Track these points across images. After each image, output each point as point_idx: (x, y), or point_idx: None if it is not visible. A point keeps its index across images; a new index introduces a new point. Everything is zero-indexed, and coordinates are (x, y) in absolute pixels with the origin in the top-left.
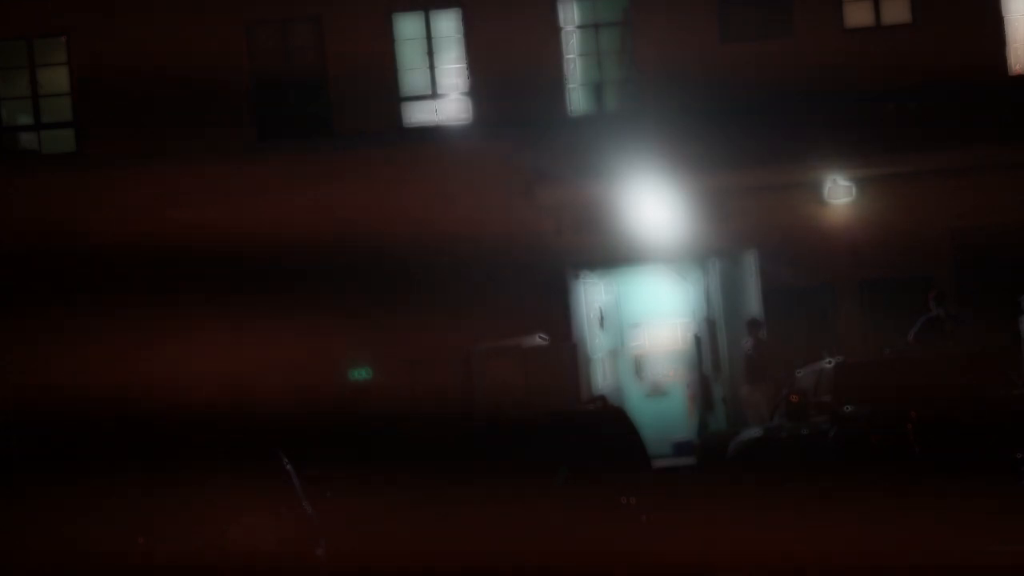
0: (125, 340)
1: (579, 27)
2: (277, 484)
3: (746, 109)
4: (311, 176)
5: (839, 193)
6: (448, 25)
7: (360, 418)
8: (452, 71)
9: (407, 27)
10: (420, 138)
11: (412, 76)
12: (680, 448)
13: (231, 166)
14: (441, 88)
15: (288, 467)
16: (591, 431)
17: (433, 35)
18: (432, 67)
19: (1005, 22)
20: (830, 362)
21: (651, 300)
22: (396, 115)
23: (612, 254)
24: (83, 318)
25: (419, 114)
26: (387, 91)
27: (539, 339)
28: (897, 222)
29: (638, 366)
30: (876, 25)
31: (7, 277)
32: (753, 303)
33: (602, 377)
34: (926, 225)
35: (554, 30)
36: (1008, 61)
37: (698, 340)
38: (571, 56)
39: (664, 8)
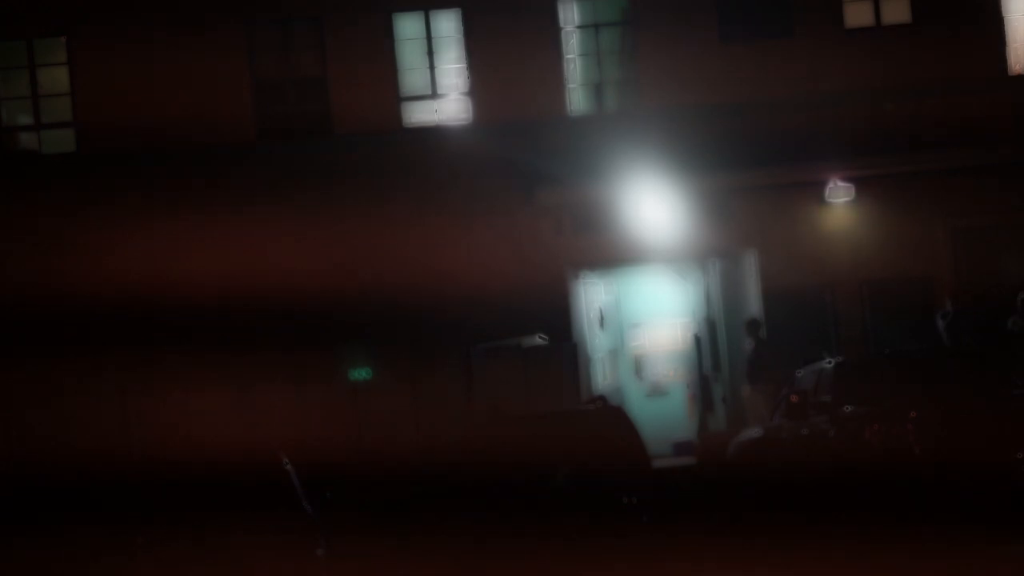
0: (120, 344)
1: (579, 27)
2: (277, 484)
3: (746, 109)
4: (311, 176)
5: (839, 193)
6: (448, 25)
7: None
8: (452, 71)
9: (407, 27)
10: (420, 138)
11: (412, 76)
12: (680, 448)
13: (231, 166)
14: (441, 88)
15: (288, 467)
16: (591, 431)
17: (433, 35)
18: (432, 67)
19: (1005, 22)
20: (830, 362)
21: (651, 300)
22: (396, 115)
23: (612, 254)
24: (79, 324)
25: (419, 114)
26: (387, 91)
27: (539, 339)
28: (897, 222)
29: (638, 366)
30: (876, 25)
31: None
32: (753, 303)
33: (602, 377)
34: (926, 225)
35: (554, 30)
36: (1008, 61)
37: (698, 340)
38: (571, 56)
39: (664, 8)
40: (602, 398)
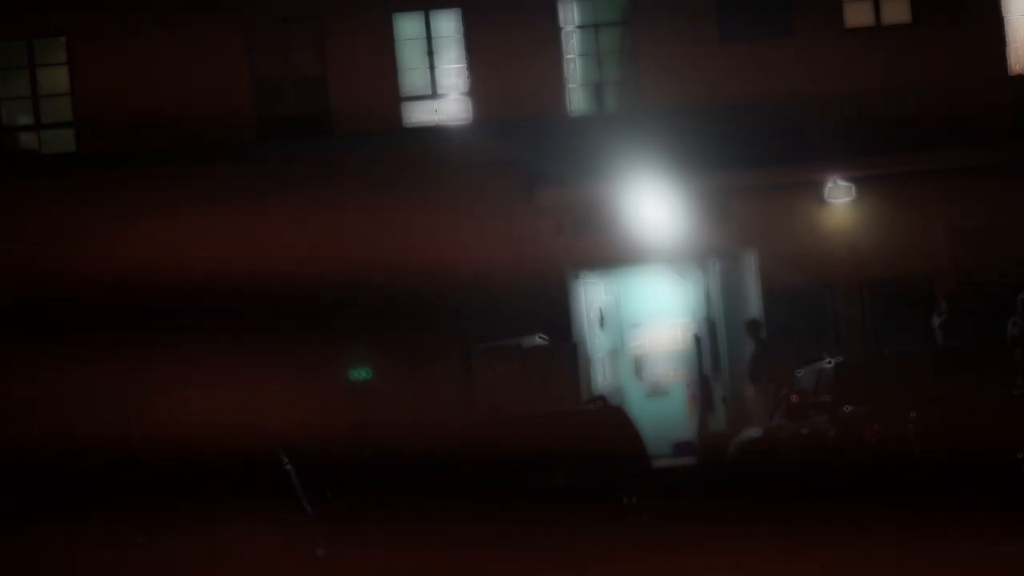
0: (122, 345)
1: (579, 27)
2: (277, 484)
3: (746, 109)
4: (311, 176)
5: (839, 193)
6: (448, 25)
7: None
8: (452, 71)
9: (407, 27)
10: (420, 138)
11: (412, 76)
12: (680, 448)
13: (231, 166)
14: (441, 88)
15: (288, 467)
16: (591, 431)
17: (433, 35)
18: (432, 67)
19: (1005, 22)
20: (830, 362)
21: (651, 300)
22: (396, 115)
23: (612, 254)
24: (79, 322)
25: (419, 114)
26: (387, 91)
27: (539, 339)
28: (897, 222)
29: (638, 366)
30: (876, 25)
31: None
32: (753, 303)
33: (602, 377)
34: (926, 225)
35: (554, 30)
36: (1008, 61)
37: (698, 340)
38: (571, 56)
39: (664, 8)
40: (602, 398)
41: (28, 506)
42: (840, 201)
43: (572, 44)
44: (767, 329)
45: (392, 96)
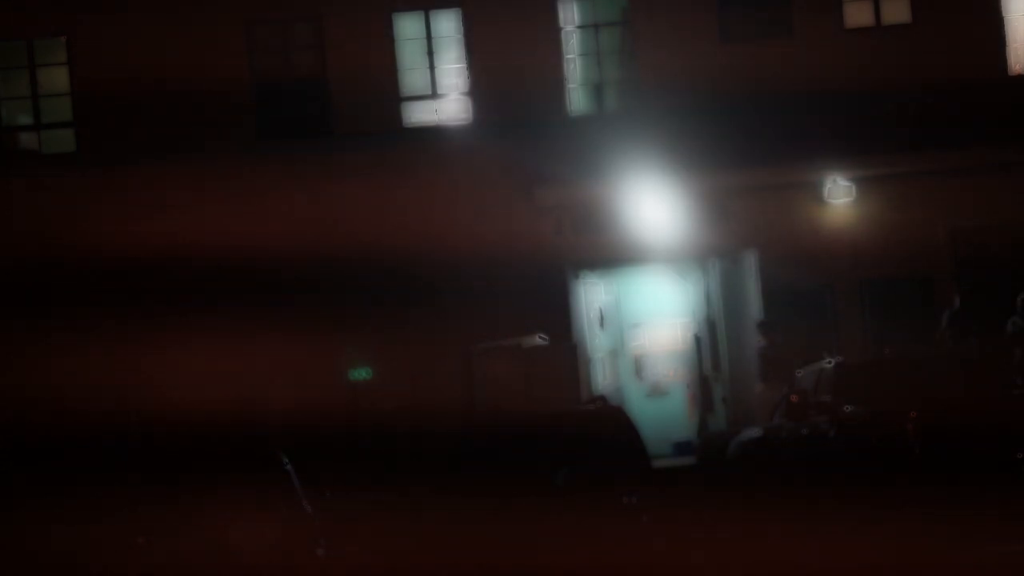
0: (123, 343)
1: (579, 27)
2: (277, 484)
3: (746, 109)
4: (311, 176)
5: (839, 193)
6: (448, 25)
7: (360, 423)
8: (452, 71)
9: (407, 27)
10: (420, 138)
11: (412, 76)
12: (680, 448)
13: (231, 166)
14: (441, 88)
15: (288, 467)
16: (591, 431)
17: (433, 35)
18: (432, 67)
19: (1005, 22)
20: (830, 362)
21: (651, 300)
22: (396, 115)
23: (612, 254)
24: (81, 320)
25: (419, 114)
26: (387, 91)
27: (539, 339)
28: (897, 222)
29: (638, 366)
30: (876, 25)
31: (5, 280)
32: (753, 303)
33: (602, 377)
34: (926, 225)
35: (554, 30)
36: (1008, 61)
37: (698, 340)
38: (571, 56)
39: (664, 8)
40: (602, 398)
41: (27, 505)
42: (840, 201)
43: (572, 44)
44: (779, 330)
45: (392, 96)
